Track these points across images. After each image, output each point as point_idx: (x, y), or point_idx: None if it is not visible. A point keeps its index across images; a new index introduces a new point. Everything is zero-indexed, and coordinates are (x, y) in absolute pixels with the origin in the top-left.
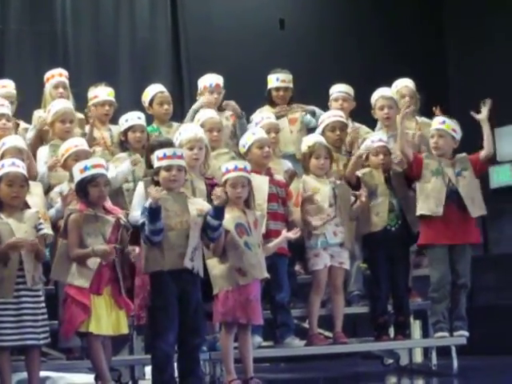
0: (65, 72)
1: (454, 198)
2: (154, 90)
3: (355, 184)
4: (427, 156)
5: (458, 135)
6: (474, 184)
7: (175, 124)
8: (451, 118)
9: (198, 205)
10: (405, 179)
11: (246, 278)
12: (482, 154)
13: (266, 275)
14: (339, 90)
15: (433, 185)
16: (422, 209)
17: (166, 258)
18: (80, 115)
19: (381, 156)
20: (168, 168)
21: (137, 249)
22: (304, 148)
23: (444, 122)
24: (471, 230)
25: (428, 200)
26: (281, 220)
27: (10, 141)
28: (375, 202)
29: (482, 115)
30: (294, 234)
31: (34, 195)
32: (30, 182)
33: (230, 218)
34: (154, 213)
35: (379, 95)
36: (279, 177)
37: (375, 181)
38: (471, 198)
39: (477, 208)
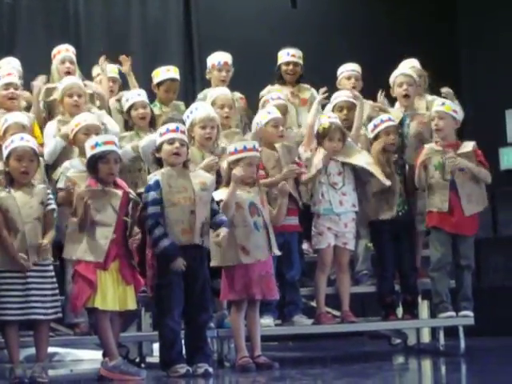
0: (71, 48)
1: (455, 189)
2: (166, 76)
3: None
4: (431, 149)
5: (459, 116)
6: (474, 180)
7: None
8: (453, 99)
9: (201, 177)
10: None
11: (248, 257)
12: None
13: (277, 253)
14: (352, 69)
15: (436, 180)
16: (429, 205)
17: (169, 234)
18: (89, 91)
19: (391, 136)
20: (171, 141)
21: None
22: (319, 128)
23: (443, 104)
24: (470, 221)
25: (433, 196)
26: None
27: (13, 117)
28: (386, 190)
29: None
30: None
31: None
32: None
33: (244, 195)
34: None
35: (399, 72)
36: None
37: (390, 168)
38: (467, 194)
39: (473, 205)
